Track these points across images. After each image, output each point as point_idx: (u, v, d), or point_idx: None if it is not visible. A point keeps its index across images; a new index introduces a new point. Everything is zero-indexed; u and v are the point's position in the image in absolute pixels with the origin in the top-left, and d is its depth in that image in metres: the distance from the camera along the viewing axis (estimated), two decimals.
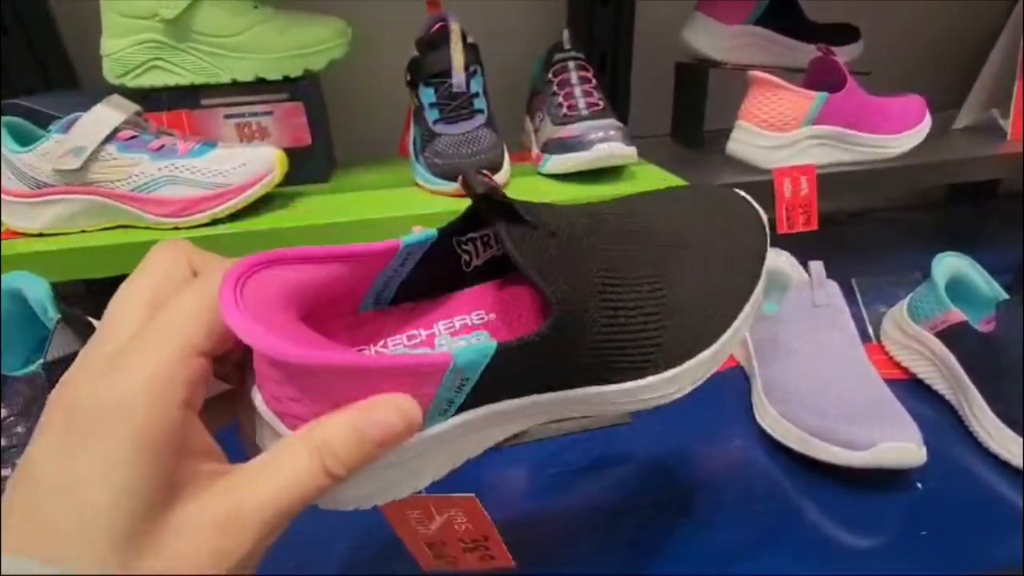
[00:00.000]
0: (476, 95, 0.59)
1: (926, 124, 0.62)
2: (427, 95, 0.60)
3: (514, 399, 0.24)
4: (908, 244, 0.92)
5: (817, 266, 0.52)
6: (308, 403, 0.19)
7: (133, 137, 0.50)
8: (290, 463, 0.19)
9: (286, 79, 0.59)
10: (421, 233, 0.25)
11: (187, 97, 0.58)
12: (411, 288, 0.27)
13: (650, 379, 0.26)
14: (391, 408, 0.19)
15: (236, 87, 0.58)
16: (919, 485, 0.44)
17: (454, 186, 0.56)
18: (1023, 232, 0.68)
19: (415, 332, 0.26)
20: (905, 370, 0.56)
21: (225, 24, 0.56)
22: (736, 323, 0.28)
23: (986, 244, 0.89)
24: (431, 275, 0.27)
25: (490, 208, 0.23)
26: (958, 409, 0.50)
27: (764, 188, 0.59)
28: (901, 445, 0.40)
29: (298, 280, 0.20)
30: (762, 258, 0.30)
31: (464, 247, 0.27)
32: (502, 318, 0.27)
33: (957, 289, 0.56)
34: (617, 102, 0.83)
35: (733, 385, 0.57)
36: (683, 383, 0.28)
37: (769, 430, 0.48)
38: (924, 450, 0.41)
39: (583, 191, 0.58)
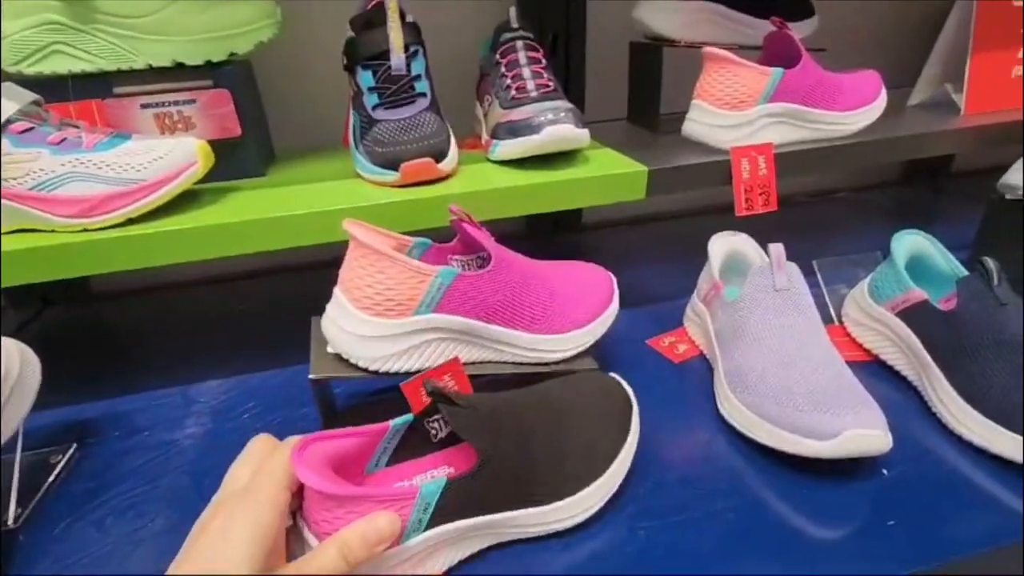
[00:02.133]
0: (418, 77, 0.56)
1: (882, 100, 0.60)
2: (365, 79, 0.56)
3: (464, 519, 0.35)
4: (867, 223, 0.91)
5: (777, 249, 0.50)
6: (335, 522, 0.31)
7: (28, 130, 0.45)
8: (321, 554, 0.30)
9: (209, 64, 0.54)
10: (402, 417, 0.38)
11: (97, 85, 0.53)
12: (401, 455, 0.40)
13: (555, 504, 0.37)
14: (383, 519, 0.32)
15: (153, 73, 0.53)
16: (885, 471, 0.42)
17: (396, 176, 0.52)
18: (978, 208, 0.67)
19: (403, 484, 0.39)
20: (868, 351, 0.55)
21: (135, 3, 0.51)
22: (612, 467, 0.40)
23: (943, 221, 0.90)
24: (414, 446, 0.40)
25: (438, 399, 0.36)
26: (921, 390, 0.49)
27: (722, 168, 0.57)
28: (866, 432, 0.39)
29: (331, 447, 0.34)
30: (627, 423, 0.42)
31: (432, 424, 0.40)
32: (459, 470, 0.39)
33: (917, 267, 0.55)
34: (571, 84, 0.80)
35: (696, 374, 0.55)
36: (582, 507, 0.38)
37: (732, 420, 0.46)
38: (890, 436, 0.40)
39: (535, 177, 0.55)
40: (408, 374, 0.41)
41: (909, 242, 0.54)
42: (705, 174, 0.57)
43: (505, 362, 0.45)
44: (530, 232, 0.92)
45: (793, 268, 0.50)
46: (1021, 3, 0.66)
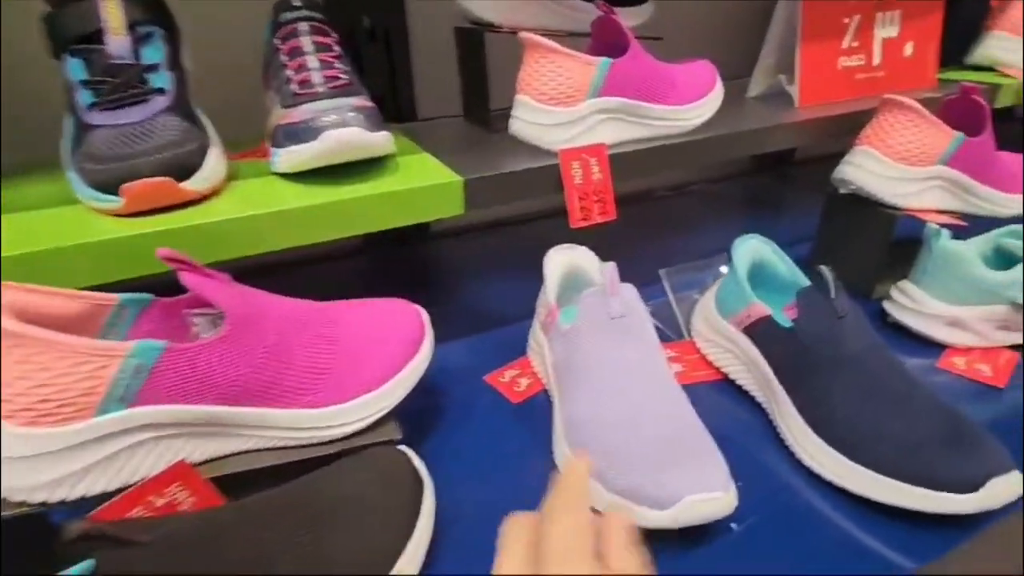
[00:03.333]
0: (152, 68, 0.42)
1: (718, 92, 0.56)
2: (74, 69, 0.41)
3: None
4: (723, 217, 0.90)
5: (609, 269, 0.43)
6: None
7: None
8: None
9: None
10: (78, 567, 0.24)
11: None
12: None
13: None
14: None
15: None
16: (733, 526, 0.37)
17: (118, 202, 0.38)
18: (820, 199, 0.67)
19: None
20: (717, 369, 0.50)
21: None
22: (394, 571, 0.31)
23: (791, 212, 0.91)
24: None
25: (85, 542, 0.25)
26: (770, 414, 0.45)
27: (552, 174, 0.50)
28: (707, 497, 0.33)
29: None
30: (415, 510, 0.33)
31: None
32: None
33: (760, 274, 0.51)
34: (398, 77, 0.69)
35: (536, 417, 0.47)
36: None
37: None
38: (733, 495, 0.34)
39: (326, 194, 0.44)
40: (108, 495, 0.29)
41: (749, 248, 0.50)
42: (534, 181, 0.49)
43: (267, 449, 0.34)
44: (367, 246, 0.80)
45: (629, 291, 0.43)
46: None
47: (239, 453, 0.33)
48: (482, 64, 0.58)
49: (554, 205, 0.51)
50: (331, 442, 0.36)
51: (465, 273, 0.75)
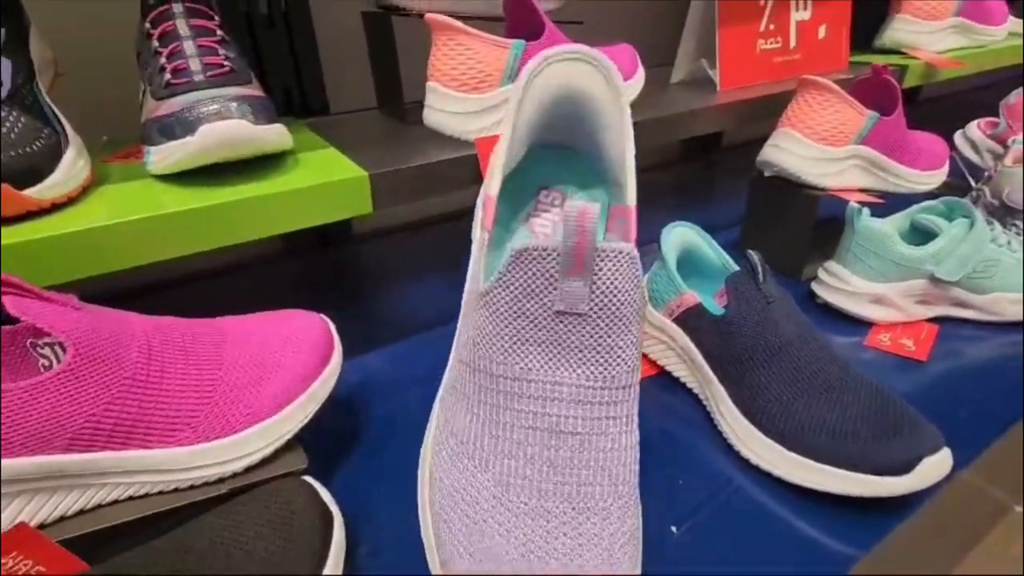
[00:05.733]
0: None
1: (639, 77, 0.55)
2: None
3: None
4: (649, 207, 0.88)
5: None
6: None
7: None
8: None
9: None
10: None
11: None
12: None
13: None
14: None
15: None
16: (673, 530, 0.35)
17: None
18: (747, 184, 0.66)
19: None
20: (654, 363, 0.49)
21: None
22: None
23: (718, 197, 0.91)
24: None
25: None
26: (708, 407, 0.43)
27: (469, 165, 0.46)
28: None
29: None
30: (322, 551, 0.28)
31: None
32: None
33: (691, 262, 0.50)
34: (302, 69, 0.64)
35: None
36: None
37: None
38: None
39: (215, 195, 0.39)
40: None
41: (678, 236, 0.48)
42: (449, 175, 0.46)
43: (142, 497, 0.29)
44: (289, 251, 0.74)
45: None
46: None
47: (104, 505, 0.28)
48: (392, 52, 0.54)
49: None
50: (219, 481, 0.31)
51: (399, 272, 0.71)
